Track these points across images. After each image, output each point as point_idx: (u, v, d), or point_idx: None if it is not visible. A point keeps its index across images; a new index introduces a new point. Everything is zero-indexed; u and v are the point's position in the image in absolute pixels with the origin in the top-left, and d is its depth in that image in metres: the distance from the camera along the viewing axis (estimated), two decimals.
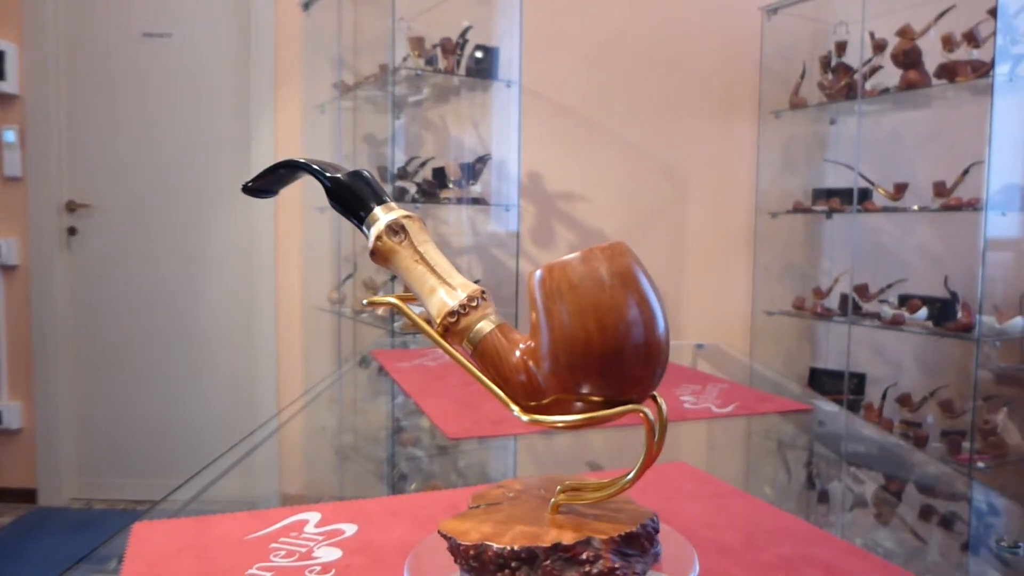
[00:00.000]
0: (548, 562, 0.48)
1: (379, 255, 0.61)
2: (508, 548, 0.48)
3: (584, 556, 0.47)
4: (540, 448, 1.12)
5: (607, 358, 0.50)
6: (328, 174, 0.63)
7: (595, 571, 0.47)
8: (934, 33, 2.40)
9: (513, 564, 0.48)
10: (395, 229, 0.61)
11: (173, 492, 0.81)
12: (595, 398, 0.51)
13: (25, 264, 3.09)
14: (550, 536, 0.49)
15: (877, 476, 1.05)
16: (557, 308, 0.50)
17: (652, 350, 0.51)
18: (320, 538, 0.65)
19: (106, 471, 3.18)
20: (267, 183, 0.69)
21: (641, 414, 0.50)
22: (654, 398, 0.54)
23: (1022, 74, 2.30)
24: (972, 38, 2.30)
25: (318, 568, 0.59)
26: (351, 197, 0.63)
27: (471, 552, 0.49)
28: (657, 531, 0.52)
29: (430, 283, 0.59)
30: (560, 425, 0.52)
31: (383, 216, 0.61)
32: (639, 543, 0.49)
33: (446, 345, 0.58)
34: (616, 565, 0.47)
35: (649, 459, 0.51)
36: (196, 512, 0.73)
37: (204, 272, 3.19)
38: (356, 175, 0.63)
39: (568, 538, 0.48)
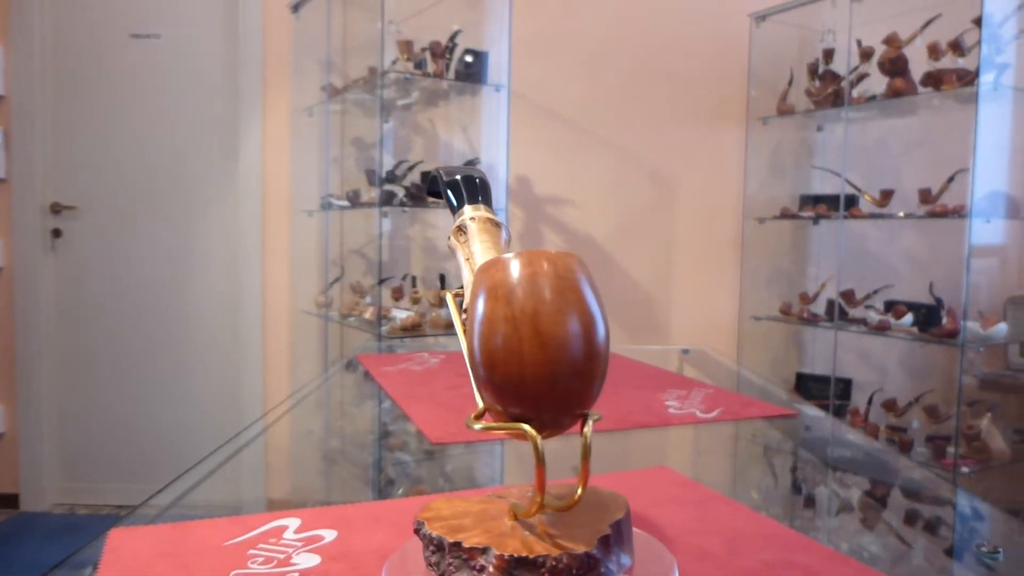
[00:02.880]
0: (449, 556, 0.49)
1: (450, 250, 0.65)
2: (429, 533, 0.51)
3: (475, 563, 0.48)
4: (527, 453, 1.12)
5: (479, 367, 0.50)
6: (445, 177, 0.68)
7: None
8: (920, 42, 2.42)
9: (432, 548, 0.51)
10: (461, 229, 0.64)
11: (152, 497, 0.80)
12: (500, 409, 0.51)
13: (8, 266, 3.06)
14: (465, 535, 0.50)
15: (862, 481, 1.06)
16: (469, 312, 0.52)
17: (543, 370, 0.48)
18: (299, 544, 0.64)
19: (90, 476, 3.15)
20: (435, 186, 0.73)
21: (528, 436, 0.48)
22: (585, 418, 0.51)
23: (1006, 83, 2.32)
24: (957, 47, 2.32)
25: (296, 575, 0.58)
26: (451, 196, 0.67)
27: (414, 526, 0.53)
28: (587, 569, 0.48)
29: (467, 279, 0.62)
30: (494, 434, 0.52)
31: (464, 215, 0.65)
32: (538, 572, 0.47)
33: (463, 341, 0.60)
34: None
35: (540, 481, 0.49)
36: (177, 517, 0.72)
37: (191, 275, 3.17)
38: (466, 178, 0.67)
39: (472, 541, 0.49)
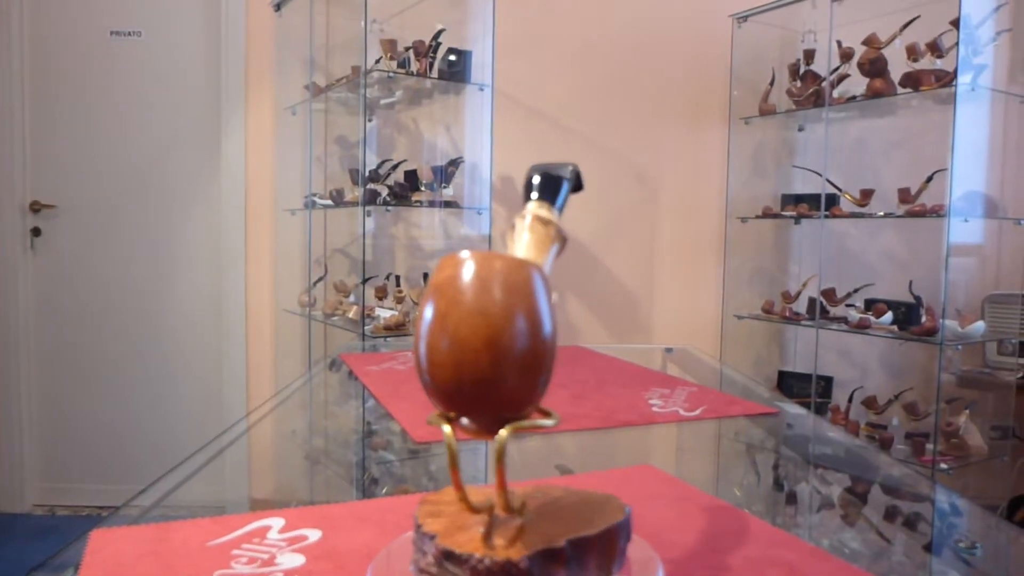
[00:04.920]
0: (415, 537, 0.52)
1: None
2: (415, 516, 0.54)
3: (424, 548, 0.51)
4: (511, 451, 1.12)
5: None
6: (528, 173, 0.66)
7: (420, 563, 0.51)
8: (899, 43, 2.45)
9: (413, 527, 0.54)
10: (513, 226, 0.63)
11: (134, 498, 0.80)
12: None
13: None
14: (433, 520, 0.53)
15: (843, 478, 1.07)
16: None
17: (448, 372, 0.49)
18: (283, 544, 0.64)
19: (71, 477, 3.12)
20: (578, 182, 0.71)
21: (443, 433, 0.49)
22: (504, 423, 0.51)
23: (984, 84, 2.35)
24: (936, 48, 2.35)
25: (280, 575, 0.58)
26: (525, 191, 0.65)
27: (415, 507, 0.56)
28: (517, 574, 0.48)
29: None
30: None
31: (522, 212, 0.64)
32: (463, 568, 0.48)
33: None
34: (425, 566, 0.50)
35: (455, 482, 0.49)
36: (159, 518, 0.72)
37: (173, 274, 3.15)
38: (543, 175, 0.65)
39: (430, 527, 0.52)
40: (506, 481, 0.49)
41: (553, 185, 0.65)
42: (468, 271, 0.50)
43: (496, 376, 0.48)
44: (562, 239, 0.63)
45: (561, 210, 0.65)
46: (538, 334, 0.49)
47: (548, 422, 0.52)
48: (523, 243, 0.60)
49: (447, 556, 0.48)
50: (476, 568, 0.47)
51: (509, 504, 0.50)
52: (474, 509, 0.51)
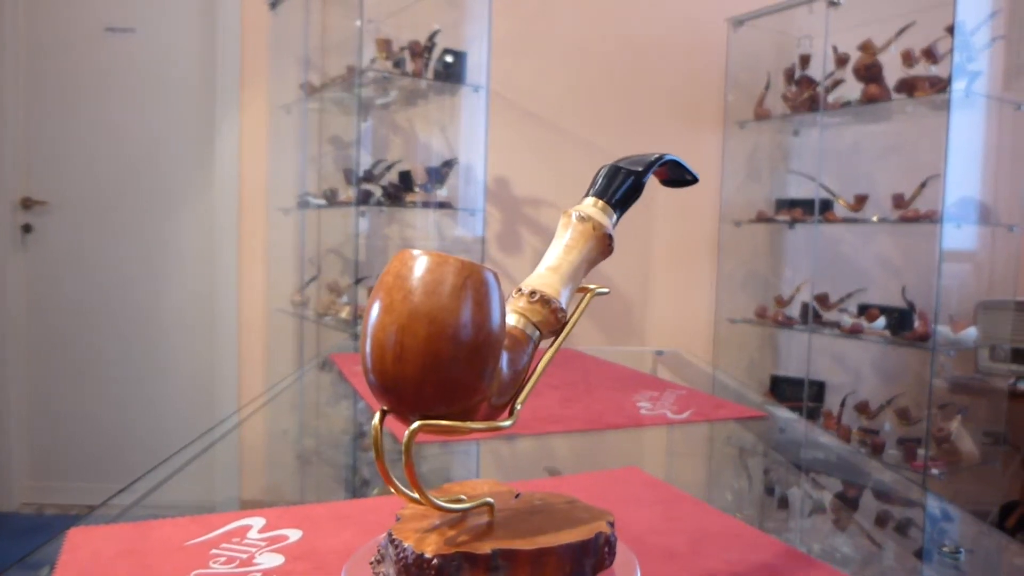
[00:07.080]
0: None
1: None
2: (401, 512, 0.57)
3: (390, 531, 0.53)
4: (504, 453, 1.12)
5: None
6: (607, 164, 0.63)
7: (381, 544, 0.54)
8: (895, 49, 2.45)
9: None
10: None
11: (114, 496, 0.79)
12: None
13: None
14: (408, 507, 0.56)
15: (833, 483, 1.06)
16: None
17: (367, 365, 0.49)
18: (263, 544, 0.63)
19: (60, 475, 3.10)
20: (676, 172, 0.68)
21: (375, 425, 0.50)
22: (423, 418, 0.50)
23: (978, 90, 2.35)
24: (931, 54, 2.35)
25: (258, 574, 0.57)
26: (591, 185, 0.62)
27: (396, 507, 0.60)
28: (425, 573, 0.48)
29: None
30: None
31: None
32: (397, 553, 0.50)
33: None
34: (380, 547, 0.54)
35: (383, 473, 0.49)
36: (142, 517, 0.71)
37: (165, 272, 3.13)
38: (612, 169, 0.62)
39: (403, 512, 0.55)
40: (416, 476, 0.49)
41: (617, 181, 0.61)
42: (392, 269, 0.49)
43: (400, 374, 0.47)
44: (601, 237, 0.59)
45: (623, 207, 0.61)
46: (465, 333, 0.48)
47: (461, 424, 0.50)
48: (561, 240, 0.59)
49: (391, 540, 0.51)
50: (399, 556, 0.50)
51: (432, 501, 0.51)
52: (415, 501, 0.52)
